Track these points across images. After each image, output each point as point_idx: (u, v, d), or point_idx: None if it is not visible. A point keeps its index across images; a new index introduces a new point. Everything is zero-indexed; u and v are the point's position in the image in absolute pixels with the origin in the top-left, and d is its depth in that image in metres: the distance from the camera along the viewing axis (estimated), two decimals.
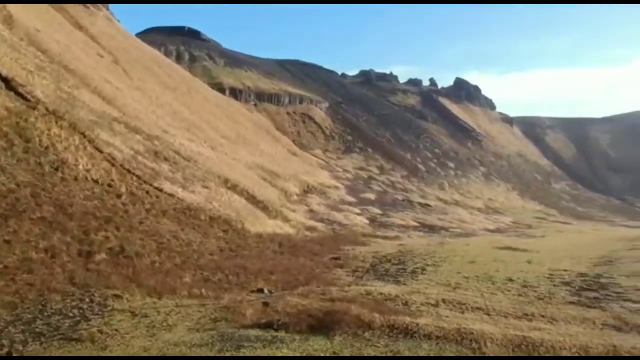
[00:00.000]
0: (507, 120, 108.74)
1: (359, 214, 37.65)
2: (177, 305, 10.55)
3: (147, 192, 19.97)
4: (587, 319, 10.88)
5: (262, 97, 68.25)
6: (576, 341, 9.04)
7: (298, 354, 7.98)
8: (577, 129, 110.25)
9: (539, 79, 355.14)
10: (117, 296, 10.67)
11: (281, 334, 8.84)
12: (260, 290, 12.71)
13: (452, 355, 8.39)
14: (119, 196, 17.92)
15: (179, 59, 71.47)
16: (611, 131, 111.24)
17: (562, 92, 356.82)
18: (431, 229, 36.91)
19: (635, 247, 29.01)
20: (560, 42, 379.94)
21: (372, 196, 46.91)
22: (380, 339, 8.92)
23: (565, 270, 17.97)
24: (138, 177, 20.83)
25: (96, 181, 18.08)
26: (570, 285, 15.26)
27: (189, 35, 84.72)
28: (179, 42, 78.75)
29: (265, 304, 10.59)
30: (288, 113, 68.20)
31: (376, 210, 40.53)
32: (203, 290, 12.13)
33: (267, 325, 9.21)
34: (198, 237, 18.19)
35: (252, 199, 28.06)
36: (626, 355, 8.54)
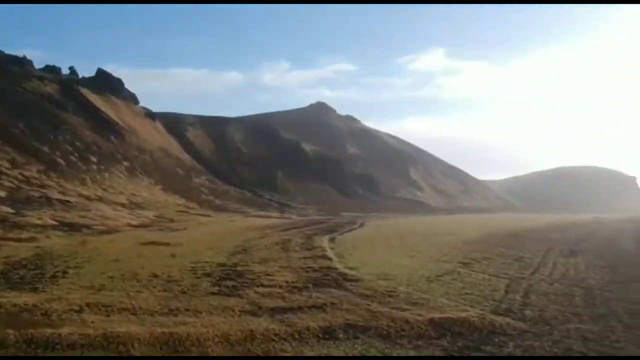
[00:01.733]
0: (150, 115, 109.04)
1: None
2: None
3: None
4: (227, 307, 11.75)
5: None
6: (218, 331, 9.71)
7: None
8: (215, 126, 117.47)
9: (181, 77, 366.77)
10: None
11: None
12: None
13: None
14: None
15: None
16: (243, 130, 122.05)
17: (202, 91, 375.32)
18: (72, 227, 34.69)
19: (265, 235, 32.52)
20: (199, 43, 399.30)
21: (2, 194, 41.68)
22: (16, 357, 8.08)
23: (206, 262, 19.02)
24: None
25: None
26: (212, 276, 16.21)
27: None
28: None
29: None
30: None
31: (8, 210, 36.16)
32: None
33: None
34: None
35: None
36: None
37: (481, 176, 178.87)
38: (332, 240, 29.07)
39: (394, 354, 9.06)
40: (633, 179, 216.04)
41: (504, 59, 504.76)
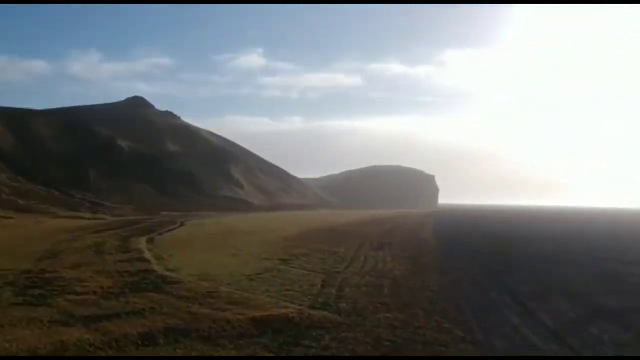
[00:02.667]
0: None
1: None
2: None
3: None
4: (35, 318, 10.84)
5: None
6: (24, 345, 8.93)
7: None
8: (17, 119, 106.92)
9: None
10: None
11: None
12: None
13: None
14: None
15: None
16: (51, 124, 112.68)
17: (1, 81, 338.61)
18: None
19: (76, 238, 30.47)
20: None
21: None
22: None
23: (9, 270, 17.31)
24: None
25: None
26: (15, 285, 14.83)
27: None
28: None
29: None
30: None
31: None
32: None
33: None
34: None
35: None
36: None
37: (300, 174, 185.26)
38: (150, 241, 28.18)
39: (215, 356, 9.08)
40: (432, 177, 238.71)
41: (320, 62, 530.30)
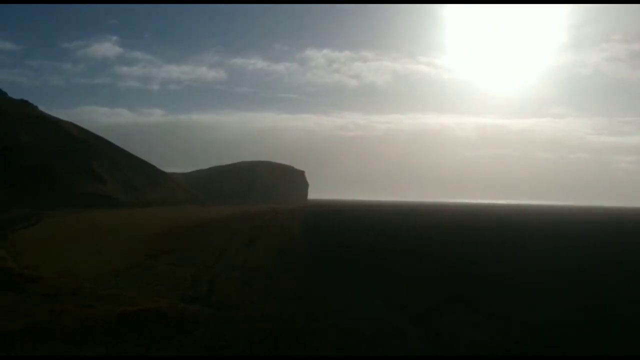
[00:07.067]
0: None
1: None
2: None
3: None
4: None
5: None
6: None
7: None
8: None
9: None
10: None
11: None
12: None
13: None
14: None
15: None
16: None
17: None
18: None
19: None
20: None
21: None
22: None
23: None
24: None
25: None
26: None
27: None
28: None
29: None
30: None
31: None
32: None
33: None
34: None
35: None
36: None
37: (167, 169, 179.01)
38: (3, 237, 26.24)
39: (82, 355, 8.68)
40: (302, 172, 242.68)
41: (180, 53, 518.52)
